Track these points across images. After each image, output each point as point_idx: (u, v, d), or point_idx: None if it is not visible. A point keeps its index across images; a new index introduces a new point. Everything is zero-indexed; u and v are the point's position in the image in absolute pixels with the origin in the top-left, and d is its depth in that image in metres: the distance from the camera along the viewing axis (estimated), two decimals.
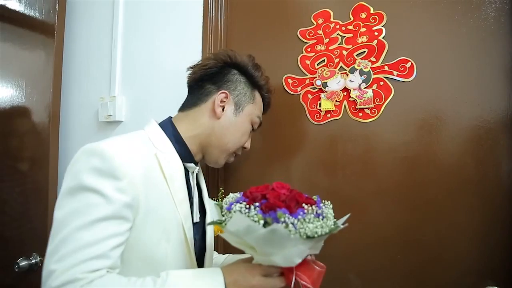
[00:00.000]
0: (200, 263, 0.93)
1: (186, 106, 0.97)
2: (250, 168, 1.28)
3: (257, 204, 0.68)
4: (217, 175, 1.29)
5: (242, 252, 0.77)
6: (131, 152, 0.76)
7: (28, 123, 1.52)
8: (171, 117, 0.96)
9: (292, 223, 0.65)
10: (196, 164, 0.95)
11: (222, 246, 1.26)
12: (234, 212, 0.68)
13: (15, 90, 1.56)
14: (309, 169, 1.20)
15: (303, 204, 0.68)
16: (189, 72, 0.99)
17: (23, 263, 1.37)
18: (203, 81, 0.96)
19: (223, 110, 0.93)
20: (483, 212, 1.02)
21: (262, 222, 0.65)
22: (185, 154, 0.90)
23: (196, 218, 0.91)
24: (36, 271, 1.38)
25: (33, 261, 1.38)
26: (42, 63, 1.47)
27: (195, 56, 1.32)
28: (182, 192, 0.85)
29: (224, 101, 0.94)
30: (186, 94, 1.01)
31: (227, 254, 1.13)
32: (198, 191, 0.97)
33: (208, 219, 0.96)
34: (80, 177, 0.68)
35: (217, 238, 1.24)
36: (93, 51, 1.56)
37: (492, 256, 1.01)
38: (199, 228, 0.93)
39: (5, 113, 1.59)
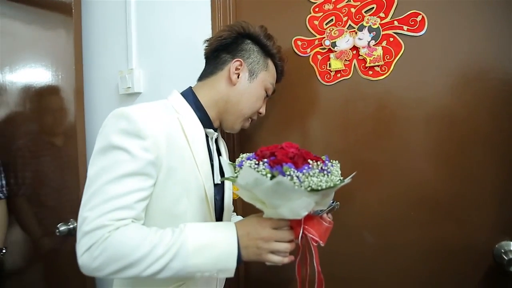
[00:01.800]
0: (219, 221, 1.00)
1: (204, 75, 1.03)
2: (264, 132, 1.31)
3: (265, 160, 0.72)
4: (232, 141, 1.33)
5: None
6: (155, 116, 0.82)
7: (57, 100, 1.61)
8: (191, 87, 1.02)
9: (297, 176, 0.69)
10: (215, 130, 1.01)
11: (241, 209, 1.32)
12: (246, 166, 0.73)
13: (43, 69, 1.64)
14: (321, 130, 1.22)
15: (309, 160, 0.72)
16: (206, 44, 1.04)
17: (62, 228, 1.49)
18: (219, 51, 1.01)
19: (238, 77, 0.98)
20: (498, 166, 1.00)
21: (269, 175, 0.69)
22: (204, 120, 0.97)
23: (217, 180, 0.97)
24: (73, 235, 1.51)
25: (71, 226, 1.51)
26: (63, 41, 1.53)
27: (205, 25, 1.33)
28: (203, 154, 0.92)
29: (239, 69, 0.98)
30: (199, 63, 1.06)
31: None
32: (219, 156, 1.03)
33: (227, 181, 1.03)
34: (109, 137, 0.76)
35: (236, 201, 1.30)
36: (110, 27, 1.61)
37: (507, 211, 1.00)
38: (219, 190, 1.00)
39: (37, 92, 1.69)
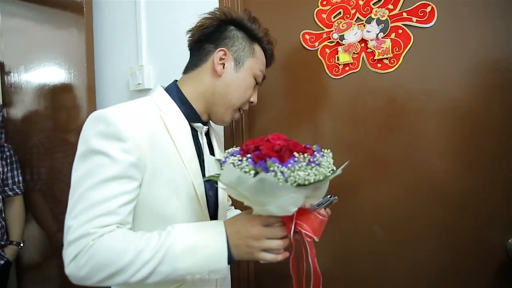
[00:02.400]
0: (214, 219, 0.96)
1: (188, 68, 0.99)
2: (272, 127, 1.30)
3: (249, 155, 0.69)
4: (241, 137, 1.33)
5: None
6: (135, 116, 0.79)
7: (71, 97, 1.64)
8: (176, 81, 0.99)
9: (282, 172, 0.65)
10: (204, 124, 0.97)
11: (237, 201, 1.30)
12: (228, 164, 0.70)
13: (56, 67, 1.67)
14: (330, 124, 1.21)
15: (294, 153, 0.68)
16: (188, 35, 1.00)
17: None
18: (202, 42, 0.97)
19: (223, 67, 0.94)
20: (510, 161, 0.98)
21: (253, 172, 0.66)
22: (191, 115, 0.93)
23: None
24: None
25: None
26: (75, 40, 1.56)
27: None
28: (190, 150, 0.88)
29: (224, 58, 0.94)
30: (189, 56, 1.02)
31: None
32: (210, 151, 1.00)
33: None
34: (88, 141, 0.74)
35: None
36: (120, 24, 1.63)
37: None
38: (213, 186, 0.96)
39: (51, 90, 1.73)
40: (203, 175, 0.92)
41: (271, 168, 0.65)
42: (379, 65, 1.10)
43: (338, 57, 1.15)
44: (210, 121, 1.02)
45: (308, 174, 0.65)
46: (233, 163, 0.69)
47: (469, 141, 1.02)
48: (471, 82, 1.01)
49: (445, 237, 1.06)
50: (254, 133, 1.33)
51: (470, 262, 1.04)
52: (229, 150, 0.76)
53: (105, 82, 1.69)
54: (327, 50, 1.18)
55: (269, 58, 1.05)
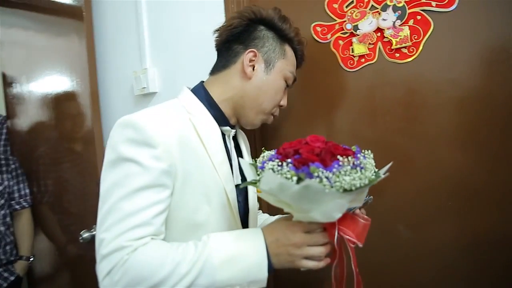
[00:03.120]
0: (245, 226, 0.94)
1: (216, 69, 0.95)
2: (287, 125, 1.25)
3: (289, 160, 0.65)
4: (253, 135, 1.27)
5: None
6: (163, 121, 0.76)
7: (75, 105, 1.60)
8: (203, 82, 0.95)
9: (327, 177, 0.61)
10: (232, 127, 0.94)
11: (266, 206, 1.26)
12: (268, 170, 0.66)
13: (58, 76, 1.64)
14: (347, 120, 1.15)
15: (338, 156, 0.65)
16: (216, 35, 0.96)
17: (86, 234, 1.48)
18: (230, 42, 0.93)
19: (253, 69, 0.90)
20: None
21: (295, 178, 0.62)
22: (219, 118, 0.89)
23: (237, 181, 0.90)
24: None
25: (94, 232, 1.49)
26: (76, 46, 1.52)
27: (218, 18, 1.27)
28: (221, 154, 0.85)
29: (253, 60, 0.90)
30: (215, 58, 0.99)
31: (278, 215, 1.12)
32: (239, 154, 0.97)
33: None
34: (117, 149, 0.71)
35: (261, 199, 1.25)
36: (121, 27, 1.59)
37: None
38: (242, 190, 0.93)
39: (54, 99, 1.70)
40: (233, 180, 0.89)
41: (315, 174, 0.62)
42: (397, 54, 1.04)
43: (352, 48, 1.09)
44: (238, 124, 0.99)
45: (354, 179, 0.62)
46: (272, 169, 0.66)
47: (496, 132, 0.95)
48: (497, 69, 0.94)
49: (473, 234, 1.00)
50: (266, 131, 1.28)
51: (501, 260, 0.97)
52: (265, 153, 0.74)
53: (109, 88, 1.65)
54: (341, 42, 1.12)
55: (300, 59, 1.02)
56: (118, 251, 0.65)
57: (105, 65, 1.65)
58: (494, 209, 0.97)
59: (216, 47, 0.97)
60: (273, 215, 1.15)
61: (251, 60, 0.90)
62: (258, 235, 0.74)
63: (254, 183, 0.71)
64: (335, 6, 1.11)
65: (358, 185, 0.62)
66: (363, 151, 0.71)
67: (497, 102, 0.95)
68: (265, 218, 1.14)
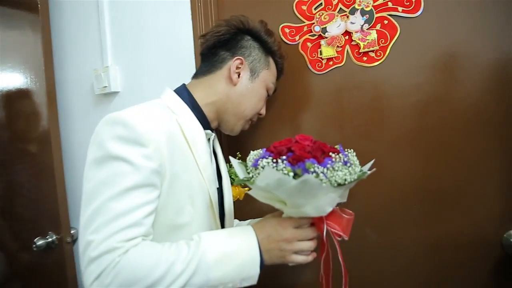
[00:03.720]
0: (222, 227, 0.95)
1: (200, 73, 0.96)
2: (252, 128, 1.22)
3: (284, 157, 0.67)
4: (220, 138, 1.24)
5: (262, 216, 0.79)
6: (153, 119, 0.75)
7: (28, 103, 1.51)
8: (185, 85, 0.95)
9: (322, 172, 0.65)
10: (212, 131, 0.95)
11: (240, 212, 1.23)
12: (262, 167, 0.68)
13: (10, 71, 1.54)
14: (314, 122, 1.14)
15: (330, 153, 0.69)
16: (202, 40, 0.98)
17: (40, 242, 1.40)
18: (217, 48, 0.95)
19: (239, 76, 0.93)
20: (504, 153, 0.95)
21: (291, 174, 0.65)
22: (202, 121, 0.90)
23: (216, 184, 0.92)
24: (54, 249, 1.41)
25: (49, 239, 1.41)
26: (31, 41, 1.43)
27: (185, 17, 1.24)
28: (205, 157, 0.86)
29: (240, 67, 0.93)
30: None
31: (249, 220, 1.13)
32: (216, 158, 0.99)
33: (225, 184, 0.98)
34: (105, 146, 0.68)
35: (234, 204, 1.22)
36: (81, 22, 1.50)
37: None
38: (219, 194, 0.95)
39: (5, 96, 1.58)
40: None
41: (311, 169, 0.65)
42: (364, 58, 1.04)
43: (321, 51, 1.09)
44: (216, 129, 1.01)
45: (345, 174, 0.67)
46: (268, 165, 0.68)
47: (461, 136, 0.99)
48: (461, 74, 0.97)
49: (438, 236, 1.03)
50: (233, 137, 1.24)
51: (465, 258, 1.01)
52: (254, 152, 0.77)
53: (67, 86, 1.55)
54: (309, 44, 1.11)
55: (280, 71, 1.06)
56: (109, 253, 0.63)
57: (63, 62, 1.55)
58: (456, 212, 1.00)
59: (201, 51, 0.99)
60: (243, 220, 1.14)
61: (237, 67, 0.92)
62: (250, 232, 0.75)
63: (247, 180, 0.72)
64: (304, 8, 1.10)
65: (349, 180, 0.67)
66: (346, 150, 0.74)
67: (459, 106, 0.98)
68: (236, 223, 1.14)
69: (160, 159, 0.72)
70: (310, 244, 0.77)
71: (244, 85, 0.93)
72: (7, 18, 1.55)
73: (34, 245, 1.38)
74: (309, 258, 0.78)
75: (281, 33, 1.14)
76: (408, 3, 0.98)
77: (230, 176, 1.05)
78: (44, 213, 1.47)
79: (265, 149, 0.73)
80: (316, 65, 1.11)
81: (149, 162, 0.69)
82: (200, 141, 0.86)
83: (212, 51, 0.95)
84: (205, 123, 0.91)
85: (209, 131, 0.92)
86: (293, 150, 0.68)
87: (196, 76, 0.97)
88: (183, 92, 0.91)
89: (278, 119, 1.19)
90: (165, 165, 0.73)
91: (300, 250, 0.76)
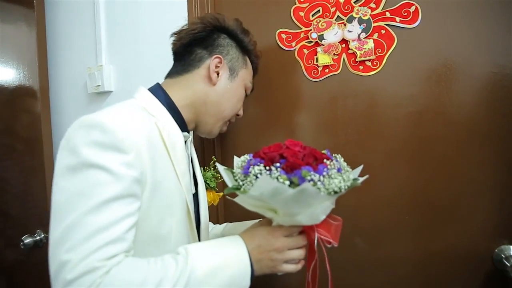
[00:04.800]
0: (197, 237, 0.90)
1: (175, 72, 0.91)
2: (246, 133, 1.22)
3: (277, 164, 0.64)
4: (212, 143, 1.23)
5: (241, 220, 0.80)
6: (132, 123, 0.70)
7: (20, 100, 1.49)
8: (159, 84, 0.90)
9: (320, 180, 0.63)
10: (188, 133, 0.91)
11: (216, 216, 1.23)
12: (254, 175, 0.65)
13: (3, 66, 1.52)
14: (308, 130, 1.13)
15: (324, 160, 0.66)
16: (174, 38, 0.93)
17: (27, 240, 1.38)
18: (192, 46, 0.90)
19: (217, 75, 0.89)
20: (497, 166, 0.95)
21: (287, 182, 0.62)
22: (179, 123, 0.85)
23: (192, 190, 0.88)
24: (41, 247, 1.40)
25: (38, 237, 1.40)
26: (25, 36, 1.42)
27: (181, 16, 1.23)
28: (184, 163, 0.82)
29: (219, 66, 0.89)
30: (174, 60, 0.95)
31: (225, 223, 1.11)
32: (192, 162, 0.95)
33: (200, 189, 0.94)
34: (79, 152, 0.61)
35: (209, 208, 1.21)
36: (77, 19, 1.49)
37: (506, 213, 0.95)
38: (194, 200, 0.91)
39: None
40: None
41: (308, 177, 0.62)
42: (361, 67, 1.04)
43: (317, 58, 1.08)
44: (192, 131, 0.96)
45: (340, 181, 0.65)
46: (260, 173, 0.65)
47: (453, 148, 0.98)
48: (456, 86, 0.96)
49: (428, 248, 1.02)
50: (226, 140, 1.24)
51: (456, 272, 1.00)
52: (242, 158, 0.73)
53: (60, 84, 1.54)
54: (305, 51, 1.10)
55: (255, 71, 1.04)
56: (88, 274, 0.56)
57: (57, 59, 1.54)
58: (448, 225, 0.99)
59: (174, 50, 0.94)
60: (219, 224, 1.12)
61: (216, 66, 0.89)
62: (239, 242, 0.72)
63: (237, 188, 0.69)
64: (301, 14, 1.09)
65: (344, 187, 0.65)
66: (334, 155, 0.72)
67: (454, 118, 0.97)
68: (212, 227, 1.12)
69: (141, 167, 0.67)
70: (300, 253, 0.75)
71: (223, 84, 0.90)
72: (2, 11, 1.53)
73: (21, 243, 1.36)
74: (299, 266, 0.76)
75: (277, 39, 1.13)
76: (406, 14, 0.98)
77: (205, 181, 1.01)
78: (32, 211, 1.45)
79: (252, 154, 0.70)
80: (312, 72, 1.10)
81: (130, 171, 0.64)
82: (179, 146, 0.81)
83: (188, 49, 0.91)
84: (183, 125, 0.87)
85: (186, 134, 0.88)
86: (286, 157, 0.65)
87: (170, 75, 0.92)
88: (159, 92, 0.85)
89: (271, 125, 1.18)
90: (146, 173, 0.68)
91: (290, 259, 0.74)
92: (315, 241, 0.73)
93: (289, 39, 1.12)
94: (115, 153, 0.63)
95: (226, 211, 1.24)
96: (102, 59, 1.39)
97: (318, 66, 1.09)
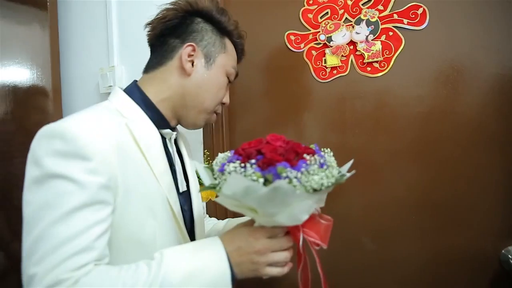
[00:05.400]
0: (192, 235, 0.87)
1: (150, 66, 0.88)
2: (255, 132, 1.22)
3: (253, 161, 0.61)
4: (221, 143, 1.25)
5: (242, 215, 0.73)
6: (97, 127, 0.67)
7: (34, 99, 1.52)
8: (136, 81, 0.87)
9: (296, 177, 0.59)
10: (172, 129, 0.87)
11: (215, 211, 1.23)
12: (229, 173, 0.62)
13: (17, 67, 1.54)
14: (316, 130, 1.15)
15: (304, 155, 0.62)
16: (148, 28, 0.88)
17: None
18: (165, 36, 0.86)
19: (192, 65, 0.84)
20: (504, 167, 0.96)
21: (261, 180, 0.58)
22: (158, 120, 0.82)
23: (183, 187, 0.85)
24: None
25: None
26: (39, 37, 1.44)
27: None
28: (162, 162, 0.78)
29: (192, 55, 0.84)
30: (150, 53, 0.93)
31: (227, 219, 1.08)
32: (180, 159, 0.91)
33: (192, 186, 0.90)
34: (42, 164, 0.60)
35: (208, 204, 1.22)
36: (89, 20, 1.52)
37: None
38: (187, 198, 0.87)
39: (12, 91, 1.59)
40: (176, 188, 0.82)
41: (283, 174, 0.58)
42: (368, 68, 1.05)
43: (325, 59, 1.10)
44: (179, 125, 0.92)
45: (322, 178, 0.60)
46: (234, 171, 0.61)
47: (461, 148, 0.99)
48: (464, 88, 0.97)
49: (435, 248, 1.02)
50: (235, 139, 1.26)
51: (463, 273, 1.00)
52: (222, 155, 0.69)
53: (73, 84, 1.57)
54: (314, 52, 1.12)
55: (240, 53, 0.97)
56: (55, 286, 0.55)
57: (69, 60, 1.57)
58: (455, 225, 1.00)
59: (149, 42, 0.90)
60: (222, 219, 1.12)
61: (189, 55, 0.84)
62: (217, 245, 0.68)
63: (213, 187, 0.66)
64: (310, 16, 1.11)
65: (326, 184, 0.60)
66: (322, 149, 0.69)
67: (460, 120, 0.98)
68: (213, 223, 1.08)
69: (109, 172, 0.64)
70: (285, 255, 0.70)
71: (199, 74, 0.84)
72: (16, 13, 1.56)
73: None
74: (285, 269, 0.71)
75: (286, 40, 1.15)
76: (413, 16, 0.99)
77: (198, 177, 0.94)
78: None
79: (233, 151, 0.67)
80: (320, 73, 1.11)
81: (95, 177, 0.61)
82: (154, 145, 0.78)
83: (161, 40, 0.86)
84: (163, 123, 0.84)
85: (168, 131, 0.84)
86: (263, 153, 0.61)
87: (146, 70, 0.88)
88: (134, 91, 0.82)
89: (280, 125, 1.20)
90: (116, 178, 0.66)
91: (274, 262, 0.69)
92: (301, 243, 0.68)
93: (297, 41, 1.14)
94: (77, 161, 0.61)
95: (219, 205, 1.24)
96: (114, 60, 1.42)
97: (326, 67, 1.10)
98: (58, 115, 1.42)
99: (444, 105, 0.99)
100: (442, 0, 0.97)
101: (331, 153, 0.69)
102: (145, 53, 1.35)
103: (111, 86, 1.40)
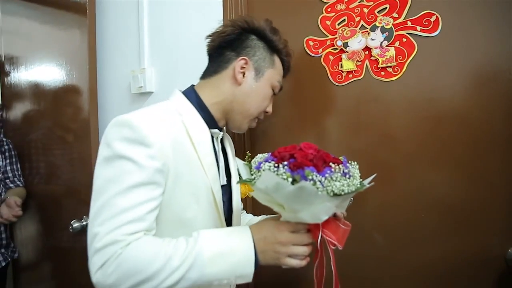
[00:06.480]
0: (229, 224, 0.98)
1: (207, 73, 0.99)
2: (275, 133, 1.30)
3: (285, 163, 0.70)
4: (243, 141, 1.33)
5: (275, 213, 0.82)
6: (158, 121, 0.79)
7: (72, 98, 1.63)
8: (194, 85, 0.98)
9: (320, 181, 0.67)
10: (220, 130, 0.98)
11: (251, 208, 1.32)
12: (263, 170, 0.71)
13: (57, 68, 1.66)
14: (332, 131, 1.21)
15: (330, 163, 0.70)
16: (208, 40, 0.99)
17: (76, 224, 1.51)
18: (222, 48, 0.97)
19: (243, 76, 0.94)
20: None
21: (290, 179, 0.67)
22: (209, 120, 0.93)
23: (223, 181, 0.95)
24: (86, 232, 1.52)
25: (84, 223, 1.52)
26: (78, 41, 1.55)
27: (216, 23, 1.32)
28: (210, 156, 0.89)
29: (244, 67, 0.94)
30: (208, 61, 1.02)
31: (261, 216, 1.16)
32: (224, 156, 1.01)
33: (234, 182, 1.01)
34: (113, 146, 0.73)
35: (245, 200, 1.30)
36: (122, 26, 1.63)
37: None
38: (226, 191, 0.98)
39: (52, 90, 1.72)
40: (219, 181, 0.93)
41: (310, 177, 0.67)
42: (382, 73, 1.10)
43: (341, 64, 1.16)
44: (225, 127, 1.03)
45: (343, 185, 0.68)
46: (269, 169, 0.70)
47: (471, 151, 1.02)
48: (475, 92, 1.01)
49: (444, 246, 1.06)
50: (256, 138, 1.33)
51: (469, 271, 1.03)
52: (259, 156, 0.79)
53: (106, 84, 1.68)
54: (331, 57, 1.18)
55: (286, 69, 1.06)
56: (112, 245, 0.67)
57: (104, 62, 1.68)
58: (461, 225, 1.04)
59: (208, 52, 1.01)
60: (257, 216, 1.20)
61: (242, 67, 0.94)
62: (247, 232, 0.78)
63: (249, 181, 0.75)
64: (328, 23, 1.17)
65: (346, 191, 0.68)
66: (349, 161, 0.76)
67: (472, 124, 1.01)
68: (249, 218, 1.18)
69: (164, 159, 0.75)
70: (304, 249, 0.78)
71: (248, 84, 0.94)
72: (58, 19, 1.68)
73: (70, 227, 1.49)
74: (303, 262, 0.79)
75: (305, 46, 1.21)
76: (426, 23, 1.03)
77: (239, 174, 1.06)
78: (79, 197, 1.59)
79: (270, 153, 0.76)
80: (337, 77, 1.17)
81: (153, 162, 0.73)
82: (205, 141, 0.88)
83: (218, 51, 0.97)
84: (212, 123, 0.94)
85: (216, 131, 0.94)
86: (295, 157, 0.70)
87: (203, 76, 0.99)
88: (191, 93, 0.93)
89: (299, 126, 1.26)
90: (169, 164, 0.77)
91: (294, 254, 0.77)
92: (319, 240, 0.76)
93: (316, 46, 1.20)
94: (140, 147, 0.73)
95: (255, 204, 1.32)
96: (144, 62, 1.52)
97: (343, 72, 1.16)
98: (94, 112, 1.52)
99: (455, 109, 1.03)
100: (455, 8, 1.01)
101: (357, 166, 0.76)
102: (173, 56, 1.47)
103: (141, 86, 1.50)
